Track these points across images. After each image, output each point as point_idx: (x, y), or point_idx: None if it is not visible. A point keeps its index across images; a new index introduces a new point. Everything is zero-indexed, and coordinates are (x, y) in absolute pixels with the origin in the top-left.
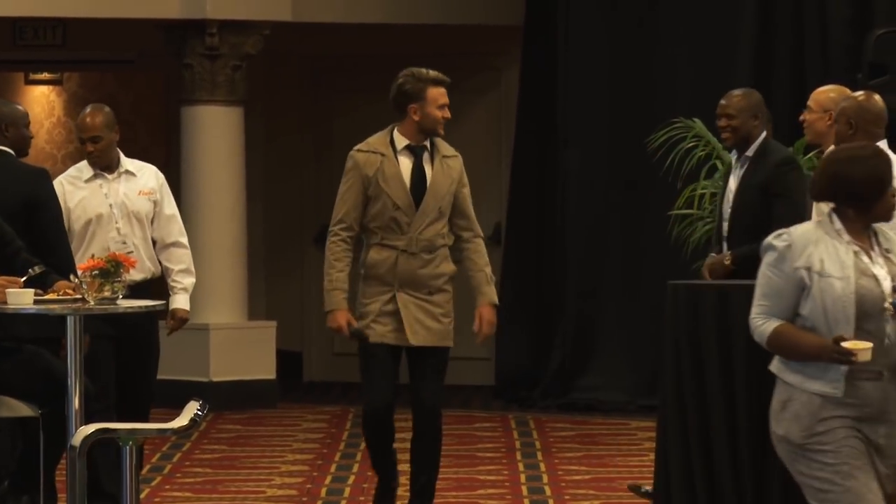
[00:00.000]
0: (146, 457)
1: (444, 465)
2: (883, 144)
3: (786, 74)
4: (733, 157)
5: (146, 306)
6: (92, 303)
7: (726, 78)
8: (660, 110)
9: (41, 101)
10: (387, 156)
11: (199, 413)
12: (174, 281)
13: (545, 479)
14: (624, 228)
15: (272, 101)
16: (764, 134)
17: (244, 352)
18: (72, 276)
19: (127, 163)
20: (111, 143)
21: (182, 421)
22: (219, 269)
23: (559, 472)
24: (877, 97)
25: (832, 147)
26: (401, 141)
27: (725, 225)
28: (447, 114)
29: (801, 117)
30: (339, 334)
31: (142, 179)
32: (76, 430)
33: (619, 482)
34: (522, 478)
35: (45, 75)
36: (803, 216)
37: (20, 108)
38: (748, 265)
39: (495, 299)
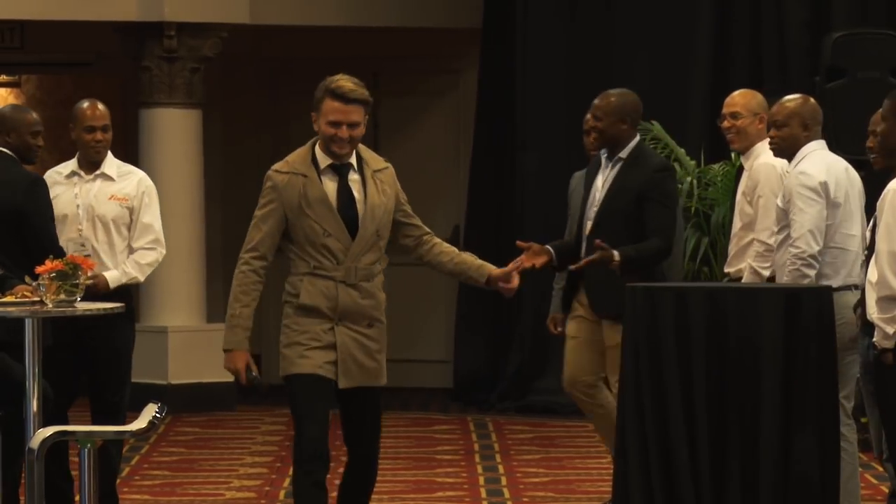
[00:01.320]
0: None
1: (402, 468)
2: (821, 143)
3: (744, 77)
4: (603, 155)
5: (104, 309)
6: (50, 305)
7: (684, 80)
8: None
9: None
10: (309, 177)
11: (158, 415)
12: (123, 263)
13: (504, 481)
14: None
15: (230, 104)
16: (637, 138)
17: (202, 354)
18: (27, 279)
19: (110, 166)
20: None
21: (140, 423)
22: (177, 272)
23: (518, 474)
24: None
25: (756, 149)
26: (323, 159)
27: (589, 223)
28: (342, 134)
29: (725, 124)
30: (236, 376)
31: (119, 184)
32: (34, 432)
33: (578, 484)
34: (481, 480)
35: (3, 77)
36: (675, 222)
37: (31, 115)
38: (632, 267)
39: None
